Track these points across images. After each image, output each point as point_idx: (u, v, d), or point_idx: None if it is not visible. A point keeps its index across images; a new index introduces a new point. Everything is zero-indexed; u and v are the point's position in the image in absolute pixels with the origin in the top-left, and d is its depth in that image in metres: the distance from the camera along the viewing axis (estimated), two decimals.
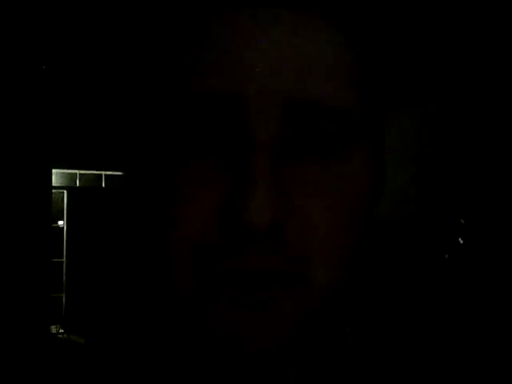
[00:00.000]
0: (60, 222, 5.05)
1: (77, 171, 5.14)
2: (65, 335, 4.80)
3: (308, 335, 0.41)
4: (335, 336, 0.47)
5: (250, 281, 0.35)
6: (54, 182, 4.65)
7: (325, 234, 0.36)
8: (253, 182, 0.33)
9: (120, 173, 5.06)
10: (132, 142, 0.42)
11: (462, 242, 3.38)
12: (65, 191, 5.08)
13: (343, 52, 0.37)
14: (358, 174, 0.38)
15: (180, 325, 0.44)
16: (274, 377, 0.42)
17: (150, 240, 0.40)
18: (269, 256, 0.35)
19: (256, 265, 0.35)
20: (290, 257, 0.36)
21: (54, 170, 4.37)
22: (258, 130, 0.34)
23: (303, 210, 0.36)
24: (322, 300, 0.37)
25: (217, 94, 0.34)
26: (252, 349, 0.36)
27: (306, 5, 0.35)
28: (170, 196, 0.37)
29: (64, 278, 5.08)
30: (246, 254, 0.35)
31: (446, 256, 3.41)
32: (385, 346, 0.50)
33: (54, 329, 4.80)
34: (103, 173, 5.19)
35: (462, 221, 3.44)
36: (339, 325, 0.48)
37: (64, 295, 5.07)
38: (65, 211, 5.10)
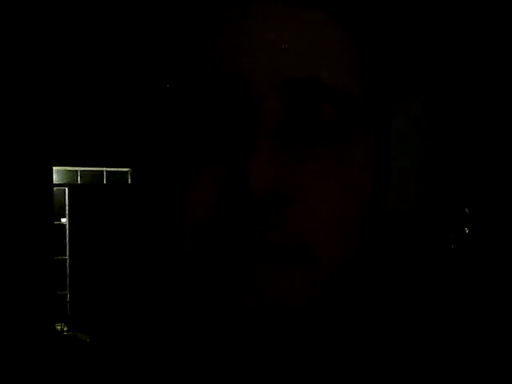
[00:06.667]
0: (63, 220, 5.05)
1: (78, 168, 5.12)
2: (70, 333, 4.81)
3: (314, 310, 0.41)
4: (346, 311, 0.47)
5: (251, 254, 0.36)
6: (55, 179, 4.63)
7: (324, 216, 0.37)
8: (255, 154, 0.35)
9: (121, 169, 5.05)
10: (141, 135, 0.44)
11: (467, 231, 3.38)
12: (66, 188, 5.07)
13: (341, 38, 0.38)
14: (362, 160, 0.39)
15: (187, 311, 0.44)
16: (283, 350, 0.42)
17: (157, 228, 0.41)
18: (269, 227, 0.36)
19: (257, 235, 0.36)
20: (289, 231, 0.36)
21: (54, 168, 4.36)
22: (260, 109, 0.36)
23: (303, 189, 0.37)
24: (323, 279, 0.38)
25: (223, 75, 0.36)
26: (255, 321, 0.37)
27: None
28: (178, 181, 0.38)
29: (68, 275, 5.08)
30: (247, 224, 0.36)
31: (452, 246, 3.41)
32: (391, 334, 0.50)
33: (59, 327, 4.80)
34: (104, 169, 5.17)
35: (468, 210, 3.44)
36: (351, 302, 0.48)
37: (68, 293, 5.07)
38: (66, 208, 5.09)
